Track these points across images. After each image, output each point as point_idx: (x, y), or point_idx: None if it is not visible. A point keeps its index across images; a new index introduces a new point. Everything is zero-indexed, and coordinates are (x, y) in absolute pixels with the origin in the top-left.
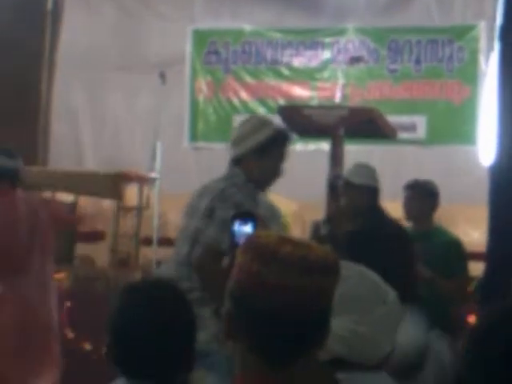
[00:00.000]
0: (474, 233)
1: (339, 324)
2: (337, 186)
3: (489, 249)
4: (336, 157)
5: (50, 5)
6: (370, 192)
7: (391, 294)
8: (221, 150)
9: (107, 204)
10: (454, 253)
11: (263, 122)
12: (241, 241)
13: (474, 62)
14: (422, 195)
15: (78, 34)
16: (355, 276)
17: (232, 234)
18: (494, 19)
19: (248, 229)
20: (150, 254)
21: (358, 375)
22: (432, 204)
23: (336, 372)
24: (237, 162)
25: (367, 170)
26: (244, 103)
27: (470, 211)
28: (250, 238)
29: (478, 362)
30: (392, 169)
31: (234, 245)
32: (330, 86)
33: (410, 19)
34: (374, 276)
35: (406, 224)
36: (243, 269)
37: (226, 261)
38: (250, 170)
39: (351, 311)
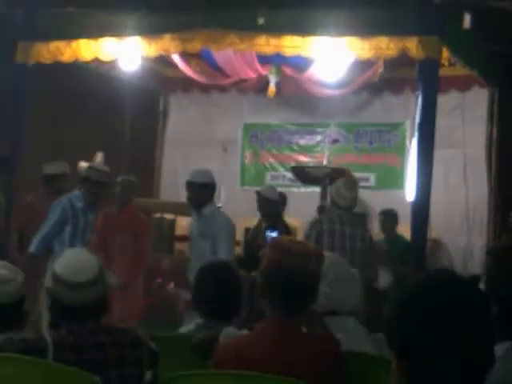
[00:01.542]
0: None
1: (329, 291)
2: (324, 208)
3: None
4: (323, 195)
5: (161, 107)
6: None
7: (355, 271)
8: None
9: None
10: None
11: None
12: (268, 241)
13: (403, 143)
14: (391, 216)
15: (177, 125)
16: (338, 263)
17: (265, 237)
18: (414, 118)
19: (274, 234)
20: None
21: (337, 318)
22: (396, 221)
23: (323, 317)
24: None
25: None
26: (271, 165)
27: (401, 228)
28: (273, 240)
29: (400, 323)
30: None
31: (264, 243)
32: (320, 156)
33: (367, 118)
34: (345, 261)
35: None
36: (268, 257)
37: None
38: None
39: (338, 284)
